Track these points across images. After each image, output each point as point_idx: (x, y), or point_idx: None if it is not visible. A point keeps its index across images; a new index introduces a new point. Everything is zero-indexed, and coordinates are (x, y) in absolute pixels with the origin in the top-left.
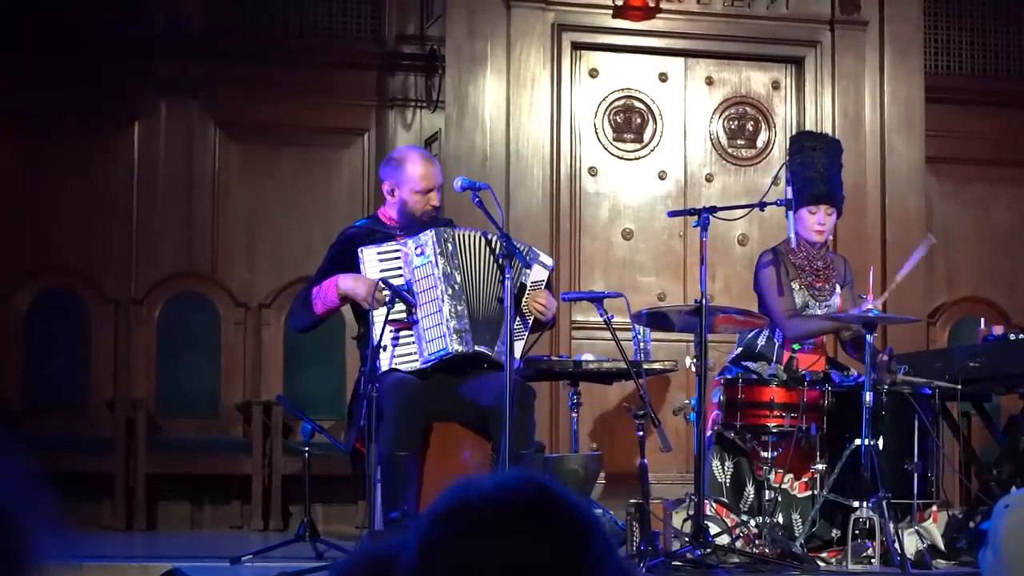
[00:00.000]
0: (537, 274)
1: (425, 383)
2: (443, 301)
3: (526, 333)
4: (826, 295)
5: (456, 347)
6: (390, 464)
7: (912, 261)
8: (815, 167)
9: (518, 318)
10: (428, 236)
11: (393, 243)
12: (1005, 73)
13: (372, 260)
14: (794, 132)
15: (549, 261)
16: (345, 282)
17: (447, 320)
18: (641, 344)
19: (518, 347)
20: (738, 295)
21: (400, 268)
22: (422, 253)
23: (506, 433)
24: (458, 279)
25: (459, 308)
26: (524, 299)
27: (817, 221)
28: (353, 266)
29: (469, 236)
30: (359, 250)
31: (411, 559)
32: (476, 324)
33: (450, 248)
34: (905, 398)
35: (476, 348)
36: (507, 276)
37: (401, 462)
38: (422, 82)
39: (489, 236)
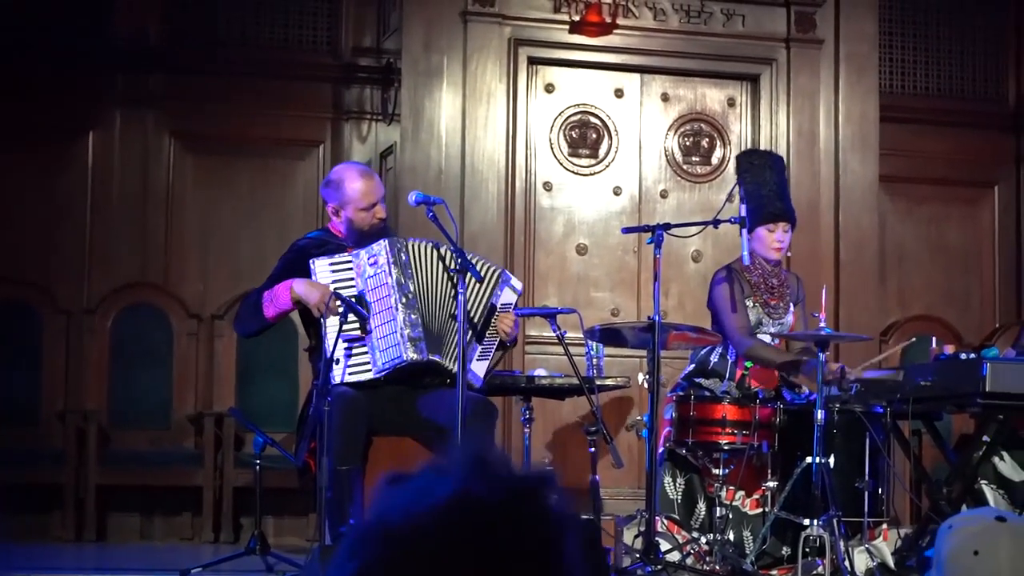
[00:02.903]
0: (507, 297)
1: (379, 395)
2: (397, 310)
3: (492, 352)
4: (780, 313)
5: (411, 355)
6: (335, 479)
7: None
8: (768, 184)
9: (486, 337)
10: (381, 246)
11: (345, 254)
12: (959, 93)
13: (324, 270)
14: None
15: (519, 286)
16: (299, 286)
17: (401, 328)
18: (594, 360)
19: (484, 366)
20: (692, 311)
21: (352, 279)
22: (375, 263)
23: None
24: (412, 288)
25: (413, 317)
26: (493, 320)
27: (776, 238)
28: (305, 276)
29: (422, 247)
30: (311, 261)
31: None
32: (430, 334)
33: (403, 258)
34: (856, 416)
35: (431, 357)
36: (461, 290)
37: (344, 476)
38: (378, 95)
39: (442, 248)
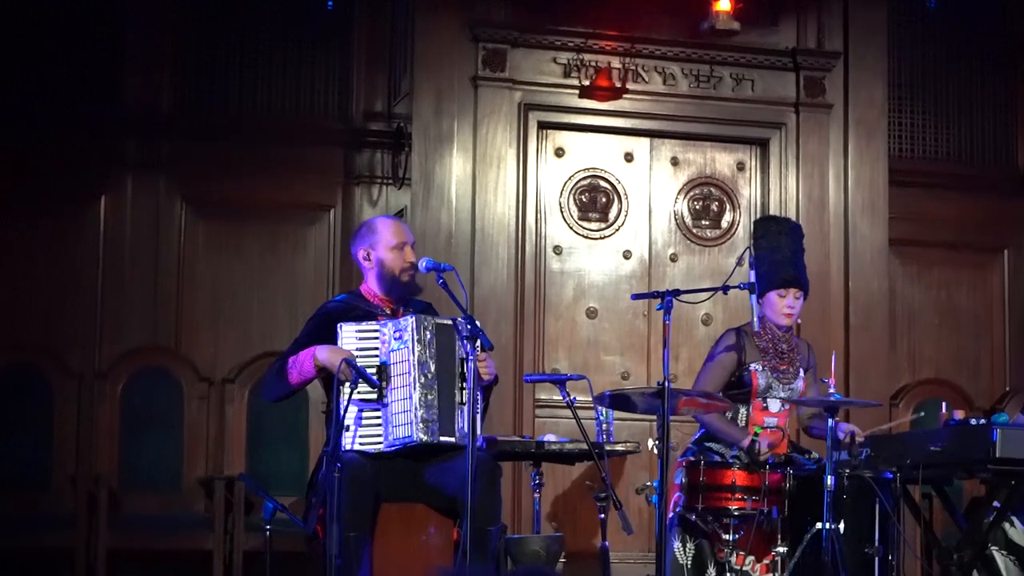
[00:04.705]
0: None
1: (387, 464)
2: (415, 388)
3: (481, 400)
4: (790, 378)
5: (422, 436)
6: (343, 546)
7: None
8: (783, 251)
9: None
10: (408, 322)
11: (374, 323)
12: (968, 157)
13: (351, 336)
14: (759, 214)
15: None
16: (322, 353)
17: (416, 408)
18: (604, 425)
19: (479, 418)
20: None
21: (377, 348)
22: (400, 338)
23: (467, 511)
24: (432, 368)
25: (430, 397)
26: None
27: (787, 304)
28: (331, 341)
29: (446, 326)
30: (339, 325)
31: None
32: (443, 414)
33: (428, 336)
34: (866, 482)
35: (441, 439)
36: (471, 357)
37: (352, 543)
38: (389, 159)
39: (458, 322)
